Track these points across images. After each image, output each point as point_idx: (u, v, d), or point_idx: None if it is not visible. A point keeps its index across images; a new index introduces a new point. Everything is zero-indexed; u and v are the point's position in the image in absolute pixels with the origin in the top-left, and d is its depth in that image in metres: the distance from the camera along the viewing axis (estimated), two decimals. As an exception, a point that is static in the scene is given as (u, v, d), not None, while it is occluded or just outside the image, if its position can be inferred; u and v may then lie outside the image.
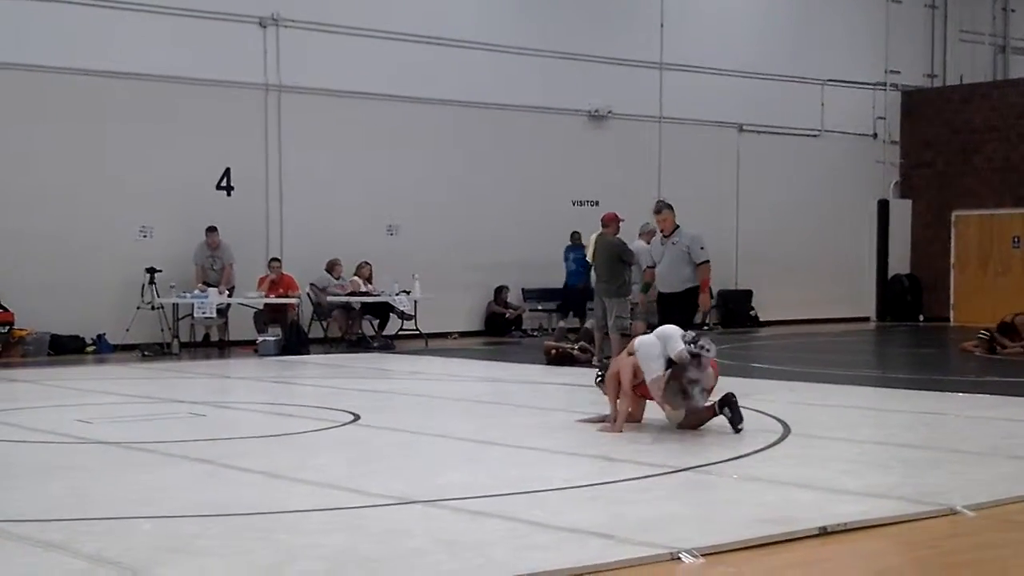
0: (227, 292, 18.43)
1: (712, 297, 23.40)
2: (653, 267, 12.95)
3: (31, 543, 5.72)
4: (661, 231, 12.76)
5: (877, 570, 5.60)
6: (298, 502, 6.65)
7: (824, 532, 5.91)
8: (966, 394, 12.17)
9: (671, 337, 9.29)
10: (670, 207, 12.92)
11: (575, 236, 21.65)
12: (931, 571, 5.60)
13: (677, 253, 12.54)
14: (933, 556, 5.76)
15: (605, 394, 9.81)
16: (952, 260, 26.17)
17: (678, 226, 12.89)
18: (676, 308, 12.42)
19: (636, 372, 9.39)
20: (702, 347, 9.05)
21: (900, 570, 5.64)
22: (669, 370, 9.03)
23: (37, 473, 7.81)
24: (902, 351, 20.00)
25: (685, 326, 12.05)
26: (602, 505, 6.76)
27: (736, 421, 9.11)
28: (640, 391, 9.47)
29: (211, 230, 18.61)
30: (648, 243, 14.34)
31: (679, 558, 5.40)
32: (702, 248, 12.75)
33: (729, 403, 9.18)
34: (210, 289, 18.11)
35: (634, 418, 9.62)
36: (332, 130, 20.11)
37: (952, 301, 26.01)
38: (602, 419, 9.62)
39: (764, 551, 5.63)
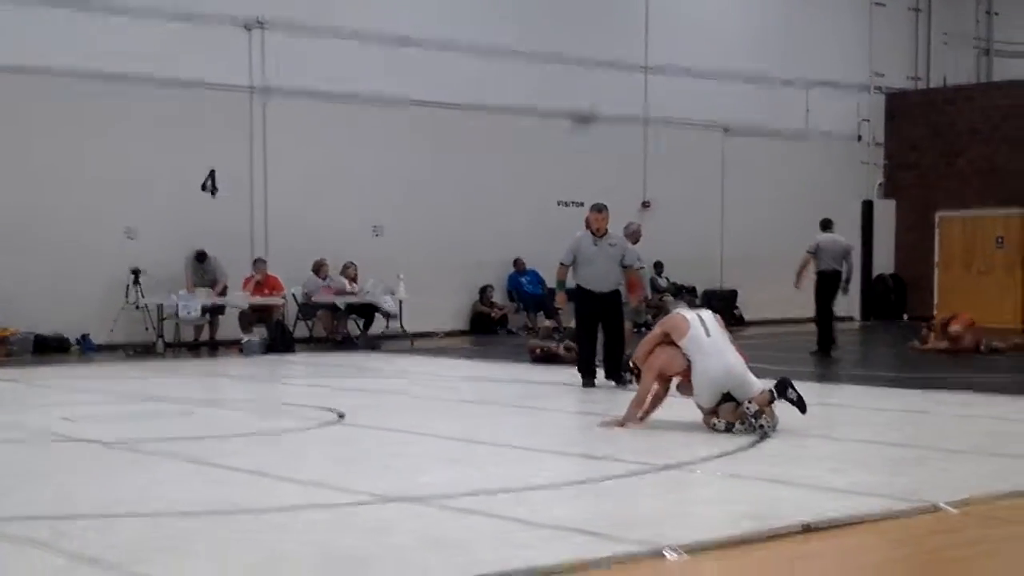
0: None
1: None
2: (568, 266, 13.03)
3: (14, 541, 5.71)
4: (597, 231, 12.94)
5: (860, 566, 5.63)
6: (284, 500, 6.66)
7: (808, 529, 5.93)
8: (949, 392, 12.23)
9: (750, 387, 9.13)
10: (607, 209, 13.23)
11: (519, 263, 22.00)
12: (914, 567, 5.63)
13: (614, 254, 12.89)
14: (916, 553, 5.79)
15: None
16: (936, 260, 26.26)
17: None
18: (608, 308, 12.76)
19: (671, 365, 9.30)
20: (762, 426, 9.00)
21: (883, 566, 5.67)
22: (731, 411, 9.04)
23: (21, 472, 7.79)
24: (886, 350, 20.05)
25: (620, 326, 12.85)
26: (587, 502, 6.79)
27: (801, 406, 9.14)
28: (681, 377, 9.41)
29: (200, 257, 18.55)
30: (634, 243, 14.31)
31: (663, 555, 5.42)
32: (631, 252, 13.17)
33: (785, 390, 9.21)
34: (197, 289, 18.13)
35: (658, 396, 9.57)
36: (317, 132, 20.07)
37: (936, 300, 26.07)
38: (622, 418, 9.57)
39: (748, 548, 5.65)
